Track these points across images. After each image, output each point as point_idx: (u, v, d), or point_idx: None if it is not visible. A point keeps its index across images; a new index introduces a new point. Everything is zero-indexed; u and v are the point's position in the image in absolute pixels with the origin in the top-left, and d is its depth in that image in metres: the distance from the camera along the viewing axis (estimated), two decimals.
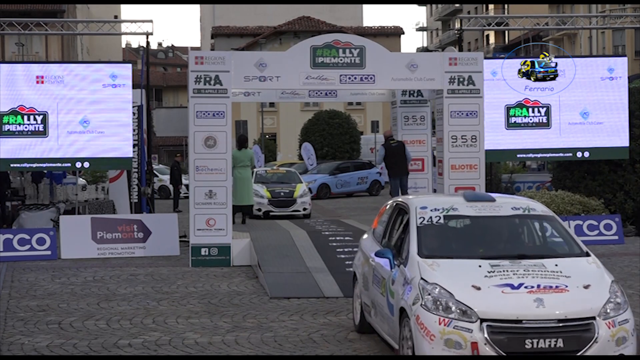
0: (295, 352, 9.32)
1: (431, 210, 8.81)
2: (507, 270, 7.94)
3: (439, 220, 8.73)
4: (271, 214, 25.15)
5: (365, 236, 10.58)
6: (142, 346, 9.62)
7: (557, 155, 19.63)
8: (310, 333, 10.16)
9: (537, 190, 21.59)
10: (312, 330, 10.33)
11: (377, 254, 8.87)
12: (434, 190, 18.52)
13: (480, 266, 8.02)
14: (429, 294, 7.70)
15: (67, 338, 9.98)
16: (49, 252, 16.84)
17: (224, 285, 13.62)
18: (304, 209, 25.65)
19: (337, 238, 16.13)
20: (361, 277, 10.00)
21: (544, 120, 19.10)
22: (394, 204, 9.84)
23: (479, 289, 7.68)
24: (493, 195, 9.33)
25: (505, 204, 9.03)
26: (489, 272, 7.91)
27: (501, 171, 27.28)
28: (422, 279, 7.88)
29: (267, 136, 55.59)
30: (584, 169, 20.47)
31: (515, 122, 19.07)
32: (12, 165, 18.45)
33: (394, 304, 8.32)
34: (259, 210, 24.86)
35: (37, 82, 18.06)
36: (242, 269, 15.29)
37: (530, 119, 19.08)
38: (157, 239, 17.17)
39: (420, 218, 8.73)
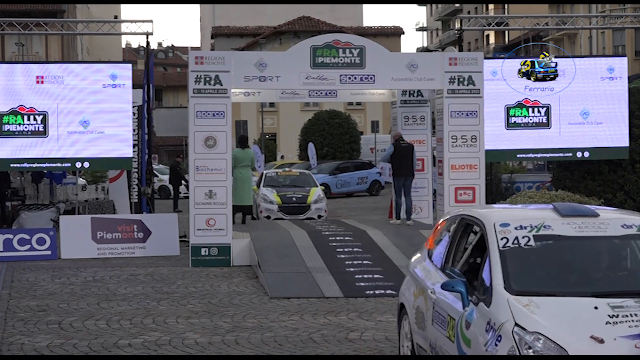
0: (295, 352, 9.31)
1: (516, 229, 6.80)
2: (636, 314, 5.96)
3: (527, 242, 6.71)
4: (281, 221, 21.79)
5: (416, 257, 8.48)
6: (142, 346, 9.62)
7: (557, 155, 19.62)
8: (310, 333, 10.15)
9: (537, 190, 21.59)
10: (312, 330, 10.33)
11: (445, 287, 6.80)
12: (434, 191, 18.52)
13: (596, 307, 6.04)
14: (530, 348, 5.82)
15: (67, 338, 9.98)
16: (49, 252, 16.84)
17: (224, 285, 13.62)
18: (319, 216, 22.70)
19: (337, 238, 16.12)
20: (413, 312, 7.87)
21: (544, 120, 19.10)
22: (458, 218, 7.70)
23: (601, 341, 5.78)
24: (594, 208, 7.32)
25: (612, 221, 6.97)
26: (611, 317, 5.94)
27: (501, 171, 27.28)
28: (516, 325, 5.96)
29: (267, 136, 55.60)
30: (584, 169, 20.46)
31: (515, 122, 19.07)
32: (12, 165, 18.45)
33: (471, 355, 6.49)
34: (268, 217, 22.45)
35: (37, 82, 18.06)
36: (242, 269, 15.29)
37: (530, 119, 19.07)
38: (157, 239, 17.17)
39: (502, 239, 6.71)
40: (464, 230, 7.50)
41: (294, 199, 23.24)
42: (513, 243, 6.68)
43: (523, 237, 6.73)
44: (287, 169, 26.77)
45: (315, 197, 23.46)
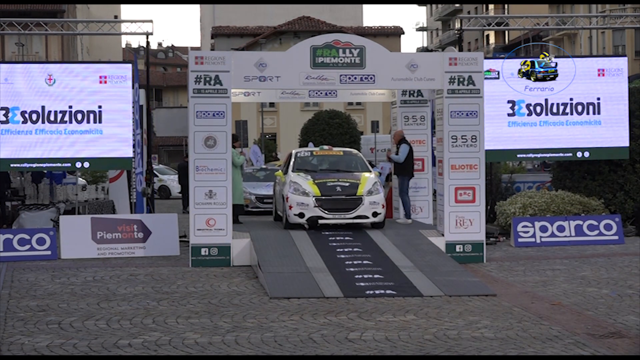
0: (295, 352, 9.31)
1: None
2: None
3: None
4: (321, 221, 16.47)
5: None
6: (142, 346, 9.61)
7: (557, 155, 19.64)
8: (310, 333, 10.15)
9: (537, 190, 21.59)
10: (312, 330, 10.33)
11: None
12: (434, 191, 18.51)
13: None
14: None
15: (67, 338, 9.98)
16: (49, 252, 16.83)
17: (224, 285, 13.62)
18: (374, 214, 16.49)
19: (337, 238, 16.10)
20: None
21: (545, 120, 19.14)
22: None
23: None
24: None
25: None
26: None
27: (501, 171, 27.29)
28: None
29: (267, 136, 55.61)
30: (584, 169, 20.48)
31: (515, 122, 19.11)
32: (12, 165, 18.47)
33: None
34: (301, 216, 16.46)
35: (37, 82, 18.08)
36: (242, 269, 15.30)
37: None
38: (157, 239, 17.17)
39: None
40: None
41: (338, 188, 16.68)
42: None
43: None
44: (325, 147, 20.25)
45: (369, 187, 16.73)
